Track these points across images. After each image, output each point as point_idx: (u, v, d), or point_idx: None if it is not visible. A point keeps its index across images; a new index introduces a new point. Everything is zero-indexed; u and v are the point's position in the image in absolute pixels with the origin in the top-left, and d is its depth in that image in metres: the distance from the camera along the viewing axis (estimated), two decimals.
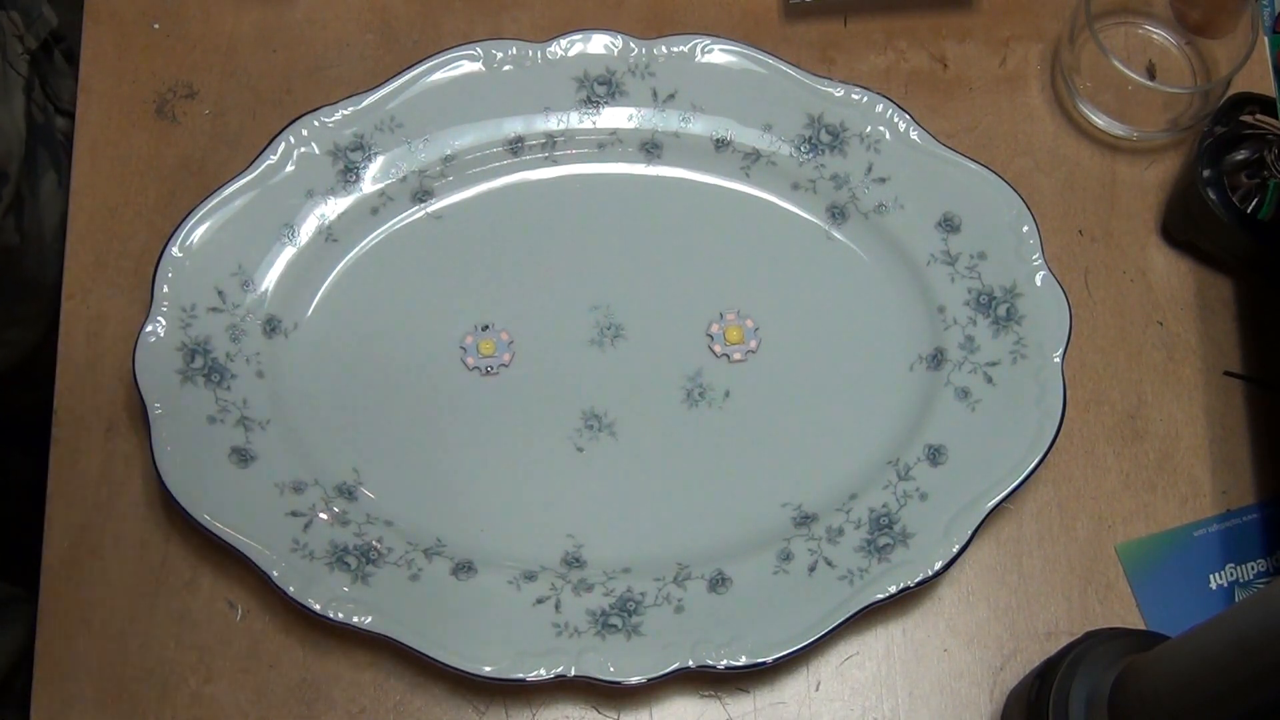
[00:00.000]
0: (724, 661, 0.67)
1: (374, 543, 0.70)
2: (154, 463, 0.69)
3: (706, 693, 0.71)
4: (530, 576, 0.70)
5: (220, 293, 0.74)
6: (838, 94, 0.77)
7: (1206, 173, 0.75)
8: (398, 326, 0.76)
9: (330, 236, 0.76)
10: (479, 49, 0.77)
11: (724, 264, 0.77)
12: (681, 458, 0.74)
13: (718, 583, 0.70)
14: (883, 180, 0.77)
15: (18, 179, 0.77)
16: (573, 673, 0.67)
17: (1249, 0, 0.76)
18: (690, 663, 0.67)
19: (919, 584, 0.68)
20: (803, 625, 0.68)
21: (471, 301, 0.76)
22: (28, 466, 0.75)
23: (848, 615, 0.68)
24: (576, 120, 0.78)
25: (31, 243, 0.80)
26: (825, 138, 0.77)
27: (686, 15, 0.83)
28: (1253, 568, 0.74)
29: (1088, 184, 0.80)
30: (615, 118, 0.78)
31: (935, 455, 0.72)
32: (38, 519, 0.73)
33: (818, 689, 0.71)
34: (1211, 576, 0.73)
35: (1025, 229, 0.75)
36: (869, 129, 0.77)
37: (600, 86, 0.78)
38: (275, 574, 0.68)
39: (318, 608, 0.68)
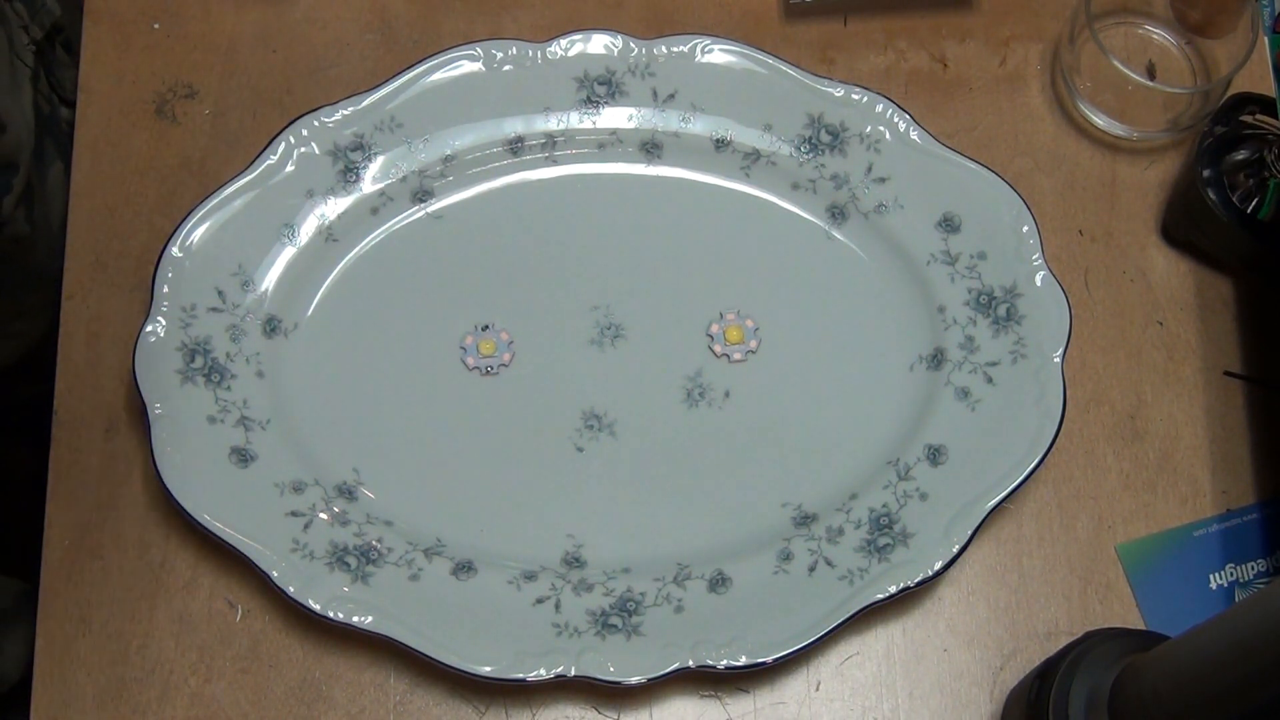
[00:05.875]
0: (724, 661, 0.67)
1: (374, 543, 0.70)
2: (154, 463, 0.69)
3: (706, 693, 0.71)
4: (530, 576, 0.70)
5: (220, 293, 0.74)
6: (838, 94, 0.77)
7: (1206, 173, 0.75)
8: (398, 326, 0.76)
9: (330, 236, 0.76)
10: (479, 49, 0.77)
11: (724, 264, 0.77)
12: (681, 458, 0.74)
13: (718, 583, 0.70)
14: (883, 180, 0.77)
15: (28, 169, 0.77)
16: (573, 673, 0.67)
17: (1249, 0, 0.76)
18: (690, 663, 0.67)
19: (919, 584, 0.68)
20: (803, 625, 0.68)
21: (471, 301, 0.76)
22: (31, 460, 0.75)
23: (848, 615, 0.68)
24: (576, 120, 0.78)
25: (41, 233, 0.80)
26: (825, 138, 0.77)
27: (686, 15, 0.83)
28: (1253, 568, 0.74)
29: (1088, 184, 0.80)
30: (615, 118, 0.78)
31: (935, 455, 0.72)
32: (40, 513, 0.73)
33: (818, 689, 0.71)
34: (1211, 576, 0.73)
35: (1025, 229, 0.75)
36: (869, 129, 0.77)
37: (600, 86, 0.78)
38: (275, 574, 0.68)
39: (318, 608, 0.68)
